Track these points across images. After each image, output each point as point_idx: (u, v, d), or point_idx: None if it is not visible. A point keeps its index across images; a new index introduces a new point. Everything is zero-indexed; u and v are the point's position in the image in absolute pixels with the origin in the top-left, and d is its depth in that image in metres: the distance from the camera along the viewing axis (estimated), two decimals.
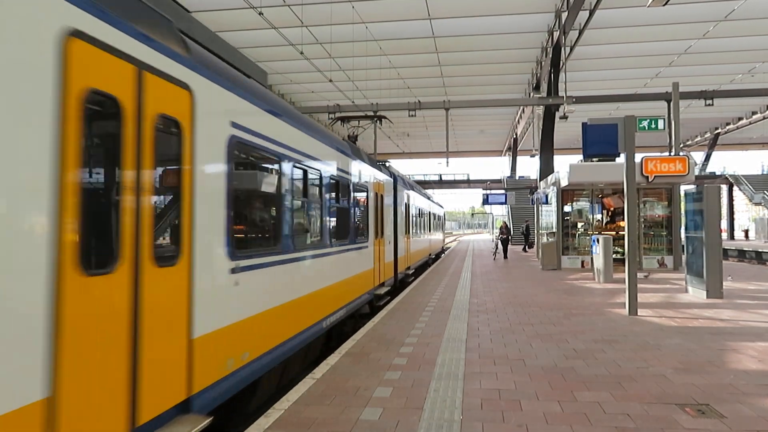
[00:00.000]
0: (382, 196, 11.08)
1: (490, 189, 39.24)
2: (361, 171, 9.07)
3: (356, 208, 8.75)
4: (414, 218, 16.72)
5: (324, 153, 6.84)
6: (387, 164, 14.07)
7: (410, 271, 15.26)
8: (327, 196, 6.94)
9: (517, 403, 4.27)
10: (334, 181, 7.35)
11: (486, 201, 31.53)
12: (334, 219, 7.40)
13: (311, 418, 3.96)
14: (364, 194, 9.44)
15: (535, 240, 24.07)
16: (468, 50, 24.50)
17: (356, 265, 8.55)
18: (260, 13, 16.81)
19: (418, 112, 24.59)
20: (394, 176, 13.08)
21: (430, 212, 22.90)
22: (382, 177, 11.23)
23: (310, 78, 27.46)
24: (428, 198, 23.70)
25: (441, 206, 32.08)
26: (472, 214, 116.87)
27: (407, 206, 14.96)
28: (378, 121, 12.87)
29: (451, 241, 56.25)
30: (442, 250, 30.94)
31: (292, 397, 4.45)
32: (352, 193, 8.39)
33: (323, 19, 19.72)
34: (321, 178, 6.69)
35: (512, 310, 8.91)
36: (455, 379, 4.93)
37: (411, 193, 16.11)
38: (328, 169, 7.04)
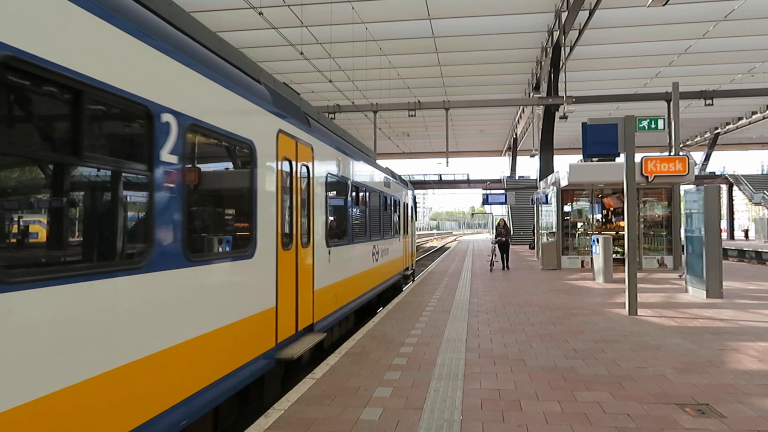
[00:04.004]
0: None
1: (490, 189, 39.27)
2: None
3: None
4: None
5: None
6: None
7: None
8: None
9: (517, 403, 4.27)
10: None
11: (486, 201, 31.50)
12: None
13: (311, 418, 3.96)
14: None
15: (536, 240, 24.03)
16: (468, 50, 24.45)
17: None
18: (260, 13, 16.78)
19: (417, 112, 24.57)
20: None
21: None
22: None
23: (310, 78, 27.41)
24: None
25: (407, 185, 15.55)
26: (472, 214, 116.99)
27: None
28: None
29: (450, 241, 56.31)
30: (408, 274, 15.21)
31: (292, 397, 4.45)
32: None
33: (323, 19, 19.70)
34: None
35: (512, 310, 8.91)
36: (455, 379, 4.94)
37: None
38: None
